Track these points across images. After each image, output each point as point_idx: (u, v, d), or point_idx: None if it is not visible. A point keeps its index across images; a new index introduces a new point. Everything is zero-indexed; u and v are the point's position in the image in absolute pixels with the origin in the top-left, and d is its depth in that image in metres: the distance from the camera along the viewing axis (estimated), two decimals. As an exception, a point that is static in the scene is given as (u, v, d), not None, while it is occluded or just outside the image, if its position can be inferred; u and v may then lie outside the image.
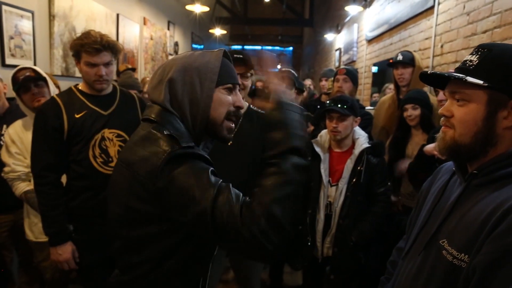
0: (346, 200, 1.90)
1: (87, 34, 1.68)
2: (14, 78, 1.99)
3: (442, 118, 0.88)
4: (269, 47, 18.81)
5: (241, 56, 1.75)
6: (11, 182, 1.98)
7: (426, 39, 3.40)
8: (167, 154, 0.86)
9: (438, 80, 0.91)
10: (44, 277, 2.12)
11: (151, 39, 5.94)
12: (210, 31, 10.33)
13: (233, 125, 1.04)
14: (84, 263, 1.77)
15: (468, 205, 0.81)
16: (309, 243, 2.00)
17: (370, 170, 1.90)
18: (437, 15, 3.17)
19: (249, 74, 1.81)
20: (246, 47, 16.30)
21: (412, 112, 2.07)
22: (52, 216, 1.69)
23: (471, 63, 0.84)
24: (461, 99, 0.84)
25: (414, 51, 3.01)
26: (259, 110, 1.83)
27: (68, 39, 3.50)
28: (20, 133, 2.01)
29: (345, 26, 7.03)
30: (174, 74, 0.96)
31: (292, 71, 2.53)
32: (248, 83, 1.83)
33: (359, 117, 2.00)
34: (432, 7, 3.26)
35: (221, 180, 0.88)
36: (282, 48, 18.71)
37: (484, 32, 2.47)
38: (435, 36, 3.21)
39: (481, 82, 0.80)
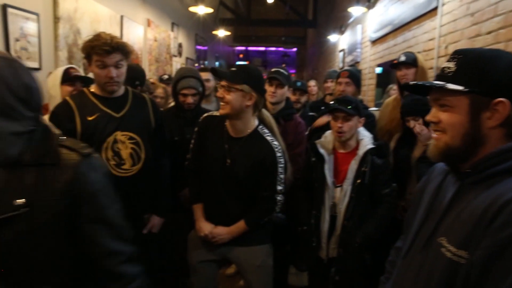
0: (351, 201, 1.90)
1: (97, 36, 1.69)
2: (65, 73, 2.09)
3: (431, 125, 0.91)
4: (273, 48, 18.83)
5: None
6: None
7: (430, 40, 3.39)
8: None
9: (422, 89, 0.94)
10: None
11: (155, 40, 5.97)
12: (214, 32, 10.35)
13: None
14: None
15: (464, 202, 0.84)
16: (314, 244, 2.00)
17: (374, 171, 1.89)
18: (441, 16, 3.17)
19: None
20: (249, 48, 16.32)
21: (414, 123, 2.05)
22: None
23: (449, 70, 0.87)
24: (444, 105, 0.87)
25: (418, 52, 3.00)
26: (264, 134, 1.77)
27: (73, 41, 3.52)
28: None
29: (348, 27, 7.03)
30: None
31: (282, 71, 2.52)
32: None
33: (363, 118, 2.00)
34: (436, 8, 3.25)
35: None
36: (285, 49, 18.72)
37: (489, 33, 2.46)
38: (439, 37, 3.20)
39: (461, 88, 0.83)
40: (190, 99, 2.30)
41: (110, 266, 1.02)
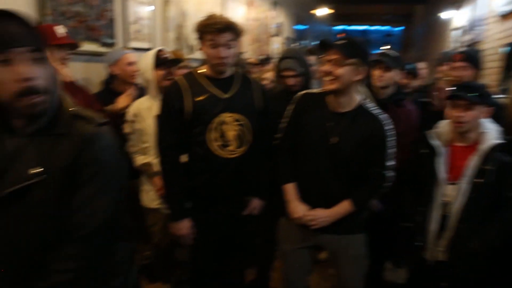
0: (469, 202, 1.67)
1: (210, 16, 1.72)
2: (157, 56, 2.14)
3: None
4: (375, 28, 17.75)
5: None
6: (132, 155, 2.17)
7: None
8: None
9: None
10: (152, 240, 2.29)
11: (256, 20, 6.00)
12: (313, 11, 10.07)
13: (36, 98, 0.89)
14: (199, 241, 1.86)
15: None
16: (418, 243, 1.82)
17: (501, 170, 1.62)
18: None
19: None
20: (350, 27, 15.61)
21: None
22: (172, 193, 1.80)
23: None
24: None
25: None
26: (370, 108, 1.70)
27: (180, 23, 3.69)
28: (142, 110, 2.14)
29: (467, 2, 6.21)
30: None
31: (389, 52, 2.29)
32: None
33: (492, 107, 1.72)
34: None
35: None
36: (390, 28, 17.46)
37: None
38: None
39: None
40: (291, 81, 2.24)
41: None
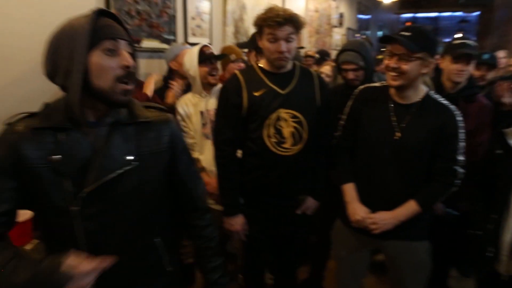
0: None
1: (270, 9, 1.67)
2: (201, 52, 2.11)
3: None
4: (447, 14, 16.50)
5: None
6: None
7: None
8: None
9: None
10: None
11: (316, 11, 5.85)
12: (378, -1, 9.60)
13: (128, 86, 0.95)
14: (251, 236, 1.85)
15: None
16: (488, 253, 1.64)
17: None
18: None
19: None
20: (418, 15, 14.68)
21: None
22: (227, 188, 1.80)
23: None
24: None
25: None
26: (438, 99, 1.58)
27: (238, 16, 3.70)
28: (186, 107, 2.13)
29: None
30: (47, 47, 0.92)
31: (469, 42, 2.05)
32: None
33: None
34: None
35: None
36: (464, 14, 16.11)
37: None
38: None
39: None
40: (350, 75, 2.13)
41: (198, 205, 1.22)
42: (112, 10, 2.27)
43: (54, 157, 0.91)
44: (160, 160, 1.06)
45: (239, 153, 1.84)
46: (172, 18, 2.78)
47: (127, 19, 2.37)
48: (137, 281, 1.06)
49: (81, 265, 0.82)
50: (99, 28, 0.91)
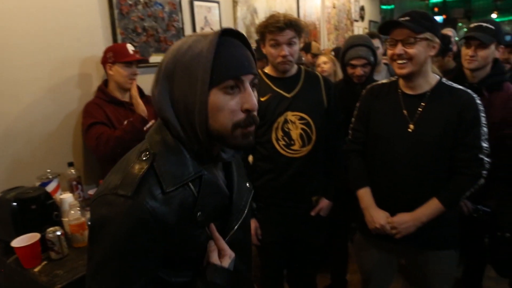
0: None
1: (271, 16, 1.71)
2: None
3: None
4: (480, -6, 15.71)
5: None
6: None
7: None
8: (103, 193, 0.72)
9: None
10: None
11: (334, 7, 5.73)
12: (402, -13, 9.27)
13: (251, 128, 0.79)
14: (264, 241, 1.86)
15: None
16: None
17: None
18: None
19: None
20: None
21: None
22: None
23: None
24: None
25: None
26: (452, 85, 1.49)
27: (250, 21, 3.69)
28: None
29: None
30: (164, 73, 0.78)
31: (486, 25, 1.92)
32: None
33: None
34: None
35: None
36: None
37: None
38: None
39: None
40: (359, 71, 2.07)
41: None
42: (118, 29, 2.33)
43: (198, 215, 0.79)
44: None
45: (250, 158, 1.84)
46: (180, 30, 2.81)
47: (134, 37, 2.42)
48: None
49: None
50: (223, 62, 0.74)
